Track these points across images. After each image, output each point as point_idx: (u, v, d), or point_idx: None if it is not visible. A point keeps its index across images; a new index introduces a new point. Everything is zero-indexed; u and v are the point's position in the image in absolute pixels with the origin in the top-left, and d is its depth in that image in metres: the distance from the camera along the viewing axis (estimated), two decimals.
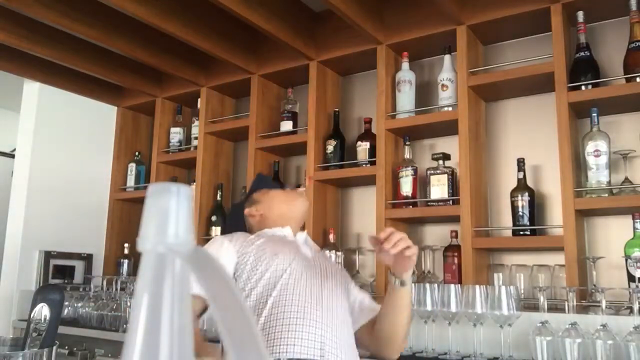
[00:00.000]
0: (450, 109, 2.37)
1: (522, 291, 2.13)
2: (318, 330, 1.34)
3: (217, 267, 0.35)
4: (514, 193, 2.21)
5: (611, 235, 2.11)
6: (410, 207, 2.40)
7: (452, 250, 2.28)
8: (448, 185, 2.33)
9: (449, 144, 2.48)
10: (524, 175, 2.21)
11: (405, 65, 2.53)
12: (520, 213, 2.17)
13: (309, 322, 1.35)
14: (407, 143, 2.48)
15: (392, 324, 1.45)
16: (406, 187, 2.41)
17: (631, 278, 1.92)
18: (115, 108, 3.56)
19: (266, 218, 1.67)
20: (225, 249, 1.50)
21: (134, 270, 3.19)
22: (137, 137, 3.62)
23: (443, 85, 2.40)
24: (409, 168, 2.42)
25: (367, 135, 2.61)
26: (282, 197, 1.74)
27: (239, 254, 1.50)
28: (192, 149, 3.19)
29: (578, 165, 2.10)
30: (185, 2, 2.45)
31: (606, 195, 2.00)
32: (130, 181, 3.45)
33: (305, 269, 1.47)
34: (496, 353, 1.90)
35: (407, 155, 2.46)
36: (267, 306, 1.37)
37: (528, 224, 2.16)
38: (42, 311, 0.98)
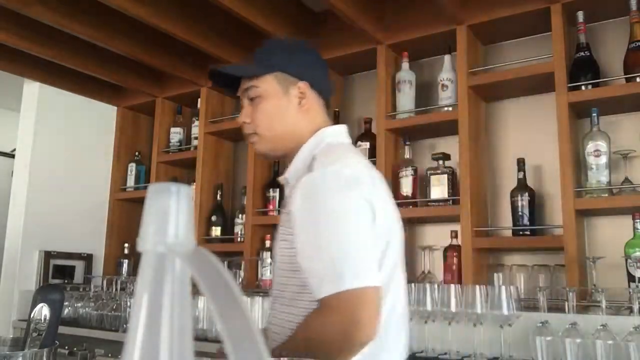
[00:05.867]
0: (450, 109, 2.37)
1: (522, 291, 2.13)
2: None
3: (217, 267, 0.35)
4: (514, 193, 2.21)
5: (611, 235, 2.10)
6: (410, 207, 2.40)
7: (452, 250, 2.28)
8: (448, 185, 2.33)
9: (449, 144, 2.48)
10: (524, 175, 2.21)
11: (405, 65, 2.53)
12: (520, 213, 2.17)
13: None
14: (407, 143, 2.47)
15: None
16: (406, 187, 2.41)
17: (631, 278, 1.92)
18: (115, 108, 3.56)
19: None
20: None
21: (134, 270, 3.19)
22: (137, 137, 3.62)
23: (443, 85, 2.40)
24: (409, 168, 2.42)
25: (367, 135, 2.61)
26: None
27: None
28: (192, 149, 3.19)
29: (578, 165, 2.10)
30: (185, 2, 2.45)
31: (606, 195, 2.00)
32: (130, 181, 3.45)
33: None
34: (496, 353, 1.89)
35: (407, 155, 2.46)
36: None
37: (528, 224, 2.16)
38: (42, 311, 0.98)
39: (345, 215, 1.01)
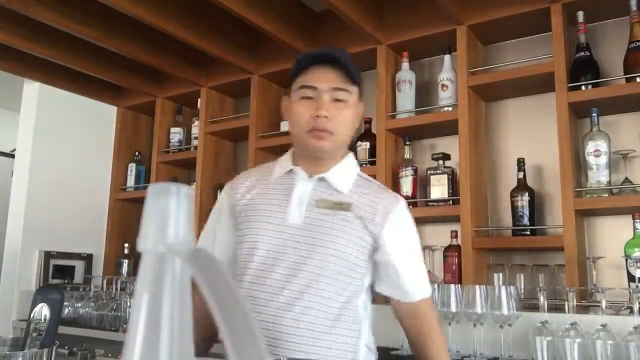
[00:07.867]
0: (450, 109, 2.37)
1: (522, 291, 2.13)
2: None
3: (217, 267, 0.35)
4: (514, 193, 2.21)
5: (611, 235, 2.10)
6: (410, 207, 2.38)
7: (452, 250, 2.28)
8: (448, 185, 2.33)
9: (449, 144, 2.48)
10: (524, 175, 2.21)
11: (405, 65, 2.53)
12: (520, 213, 2.17)
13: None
14: (407, 143, 2.47)
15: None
16: (406, 187, 2.41)
17: (631, 278, 1.92)
18: (115, 108, 3.56)
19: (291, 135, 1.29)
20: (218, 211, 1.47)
21: (134, 270, 3.19)
22: (137, 137, 3.62)
23: (443, 85, 2.40)
24: (409, 168, 2.42)
25: (367, 135, 2.61)
26: (293, 109, 1.23)
27: (235, 209, 1.35)
28: (192, 149, 3.19)
29: (578, 165, 2.10)
30: (185, 2, 2.45)
31: (606, 195, 2.00)
32: (130, 181, 3.45)
33: (283, 249, 1.19)
34: (496, 353, 1.89)
35: (407, 155, 2.46)
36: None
37: (528, 224, 2.16)
38: (42, 311, 0.98)
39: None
